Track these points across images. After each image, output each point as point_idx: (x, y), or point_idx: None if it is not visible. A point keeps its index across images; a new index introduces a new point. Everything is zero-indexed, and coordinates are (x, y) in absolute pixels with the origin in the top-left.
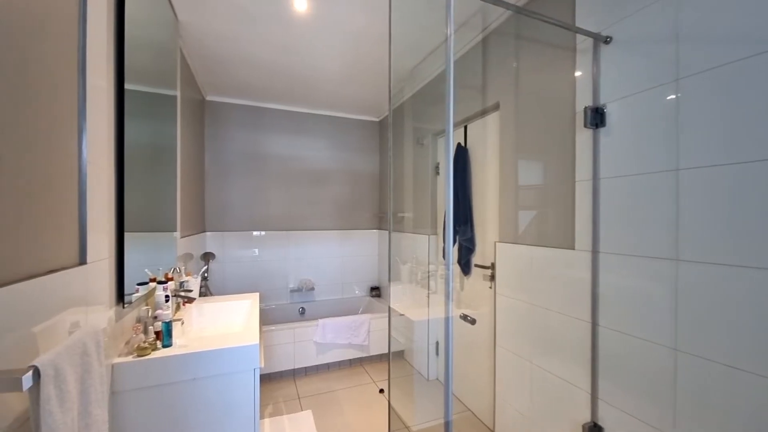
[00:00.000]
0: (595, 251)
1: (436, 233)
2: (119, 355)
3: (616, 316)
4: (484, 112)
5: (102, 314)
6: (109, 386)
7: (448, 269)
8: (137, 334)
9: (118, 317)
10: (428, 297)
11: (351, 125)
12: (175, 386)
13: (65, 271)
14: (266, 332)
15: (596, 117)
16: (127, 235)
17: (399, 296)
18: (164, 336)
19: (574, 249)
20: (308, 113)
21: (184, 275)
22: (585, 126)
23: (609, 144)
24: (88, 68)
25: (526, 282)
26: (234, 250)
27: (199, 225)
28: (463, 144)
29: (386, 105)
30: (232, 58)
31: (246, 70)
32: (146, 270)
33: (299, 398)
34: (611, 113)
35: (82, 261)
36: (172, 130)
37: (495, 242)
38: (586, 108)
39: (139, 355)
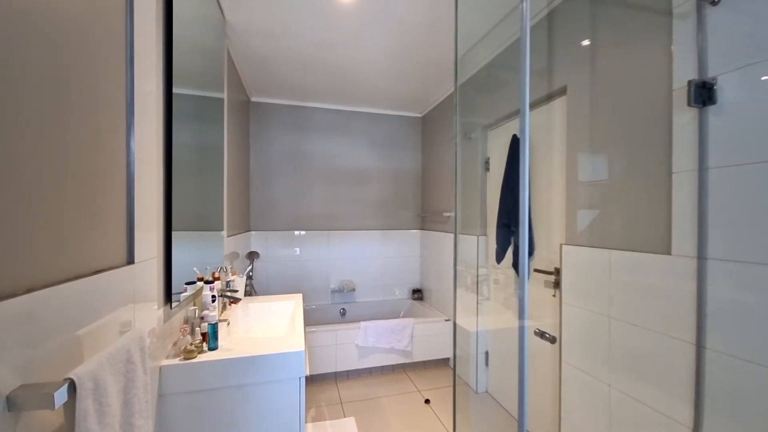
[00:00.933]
0: (701, 257)
1: (485, 234)
2: (167, 357)
3: (732, 339)
4: (548, 98)
5: (151, 315)
6: (156, 391)
7: (523, 282)
8: (184, 336)
9: (167, 317)
10: (477, 303)
11: (393, 122)
12: (221, 392)
13: (112, 271)
14: (308, 333)
15: (703, 93)
16: (175, 234)
17: (442, 301)
18: (210, 338)
19: (670, 254)
20: (350, 111)
21: (230, 274)
22: (689, 104)
23: (721, 125)
24: (137, 69)
25: (602, 291)
26: (277, 249)
27: (244, 224)
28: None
29: (430, 99)
30: (277, 57)
31: (290, 68)
32: (194, 269)
33: (341, 403)
34: (724, 88)
35: (130, 260)
36: (220, 131)
37: (561, 245)
38: (690, 82)
39: (185, 358)
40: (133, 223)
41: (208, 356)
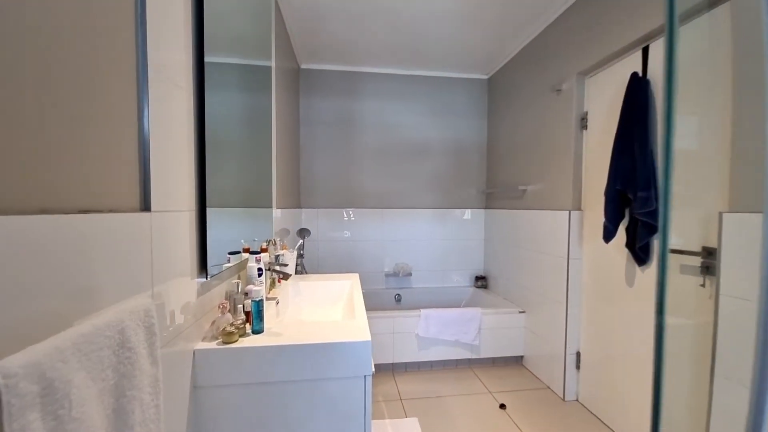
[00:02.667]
0: None
1: (579, 208)
2: (203, 339)
3: None
4: (687, 15)
5: (182, 285)
6: (189, 382)
7: (665, 264)
8: (224, 314)
9: (202, 291)
10: (567, 293)
11: (455, 86)
12: (264, 388)
13: (112, 215)
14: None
15: None
16: (223, 211)
17: (514, 290)
18: (254, 319)
19: None
20: (407, 75)
21: (279, 248)
22: None
23: None
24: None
25: None
26: (327, 228)
27: (294, 201)
28: (640, 74)
29: (500, 56)
30: (331, 12)
31: (345, 25)
32: (242, 240)
33: (401, 400)
34: None
35: (145, 207)
36: (267, 103)
37: (720, 213)
38: None
39: (225, 342)
40: (147, 157)
41: (252, 341)
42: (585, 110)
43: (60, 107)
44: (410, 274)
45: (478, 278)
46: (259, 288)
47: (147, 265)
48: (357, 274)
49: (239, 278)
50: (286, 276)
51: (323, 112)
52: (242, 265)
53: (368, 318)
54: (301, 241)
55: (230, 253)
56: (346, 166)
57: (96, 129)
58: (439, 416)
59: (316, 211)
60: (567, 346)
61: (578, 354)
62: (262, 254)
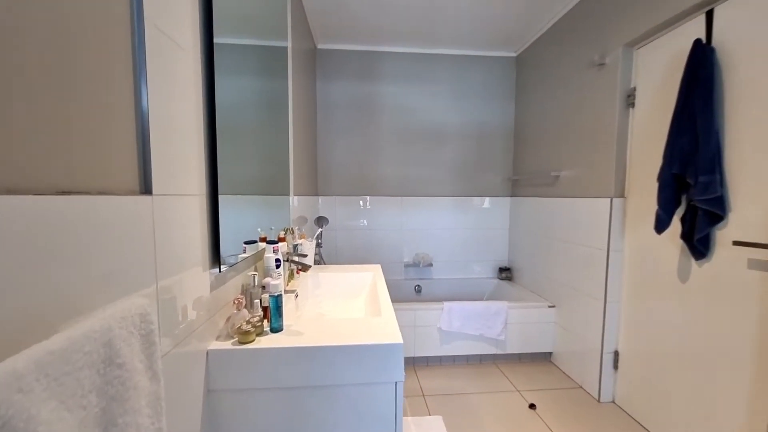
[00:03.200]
0: None
1: (622, 195)
2: (218, 338)
3: None
4: None
5: (194, 278)
6: (203, 385)
7: None
8: (239, 310)
9: (216, 284)
10: (605, 288)
11: (481, 65)
12: (285, 394)
13: (105, 198)
14: None
15: None
16: (238, 198)
17: (542, 282)
18: (272, 316)
19: None
20: (429, 54)
21: (297, 238)
22: None
23: None
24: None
25: None
26: (345, 216)
27: (311, 188)
28: (704, 41)
29: (530, 31)
30: None
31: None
32: (258, 229)
33: (423, 396)
34: None
35: (146, 189)
36: (284, 86)
37: None
38: None
39: (241, 342)
40: (146, 131)
41: (270, 341)
42: (632, 86)
43: (32, 66)
44: (431, 265)
45: (502, 270)
46: (278, 282)
47: (148, 256)
48: (379, 266)
49: (256, 270)
50: (305, 267)
51: (340, 95)
52: (259, 255)
53: None
54: (319, 230)
55: (246, 243)
56: (364, 153)
57: (80, 94)
58: (465, 415)
59: (334, 198)
60: (604, 344)
61: (616, 353)
62: (280, 244)
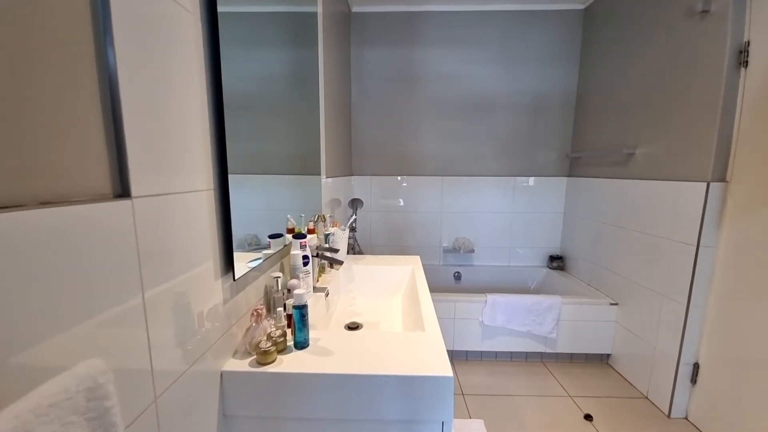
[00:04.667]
0: None
1: (724, 179)
2: (235, 354)
3: None
4: None
5: (201, 288)
6: (217, 409)
7: None
8: (258, 323)
9: (231, 292)
10: (690, 288)
11: (537, 22)
12: (309, 426)
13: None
14: None
15: None
16: (264, 178)
17: (602, 275)
18: (296, 329)
19: None
20: (476, 12)
21: (329, 226)
22: None
23: None
24: None
25: None
26: (380, 198)
27: (345, 167)
28: None
29: None
30: None
31: None
32: (288, 216)
33: (463, 394)
34: None
35: (121, 192)
36: (313, 57)
37: None
38: None
39: (259, 363)
40: (118, 114)
41: (293, 362)
42: (746, 39)
43: None
44: (473, 251)
45: (553, 258)
46: (302, 291)
47: (128, 271)
48: (418, 258)
49: (282, 269)
50: (338, 262)
51: (377, 65)
52: (285, 251)
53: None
54: (353, 215)
55: (271, 237)
56: (402, 128)
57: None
58: (510, 420)
59: (369, 179)
60: (682, 353)
61: (696, 365)
62: (309, 237)
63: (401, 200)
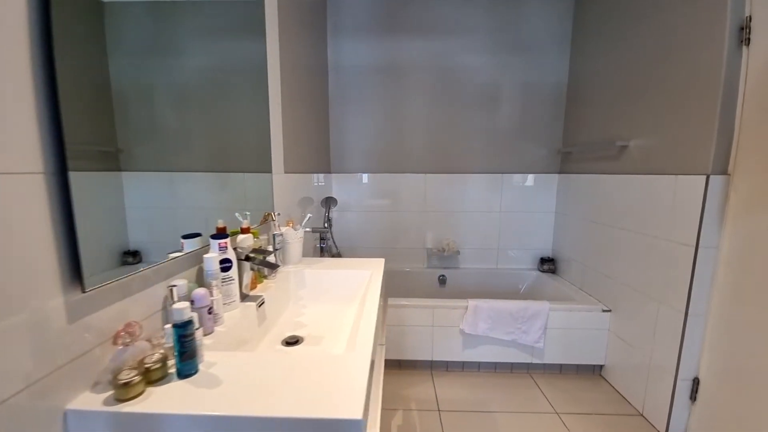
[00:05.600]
0: None
1: (726, 172)
2: (94, 387)
3: None
4: None
5: (22, 306)
6: None
7: None
8: (126, 345)
9: (81, 311)
10: (688, 295)
11: (528, 6)
12: None
13: None
14: (399, 308)
15: None
16: (183, 176)
17: (595, 278)
18: (177, 354)
19: None
20: None
21: (280, 225)
22: None
23: None
24: None
25: None
26: (361, 196)
27: (319, 164)
28: None
29: None
30: None
31: None
32: (219, 221)
33: (439, 411)
34: None
35: None
36: (258, 46)
37: None
38: None
39: (117, 398)
40: None
41: (160, 397)
42: (747, 14)
43: None
44: (458, 253)
45: (543, 260)
46: (183, 306)
47: None
48: (382, 260)
49: (198, 276)
50: (269, 267)
51: (355, 54)
52: (199, 257)
53: (404, 306)
54: (326, 213)
55: (185, 237)
56: (383, 122)
57: None
58: None
59: (348, 177)
60: (680, 367)
61: (696, 380)
62: (241, 237)
63: (383, 199)
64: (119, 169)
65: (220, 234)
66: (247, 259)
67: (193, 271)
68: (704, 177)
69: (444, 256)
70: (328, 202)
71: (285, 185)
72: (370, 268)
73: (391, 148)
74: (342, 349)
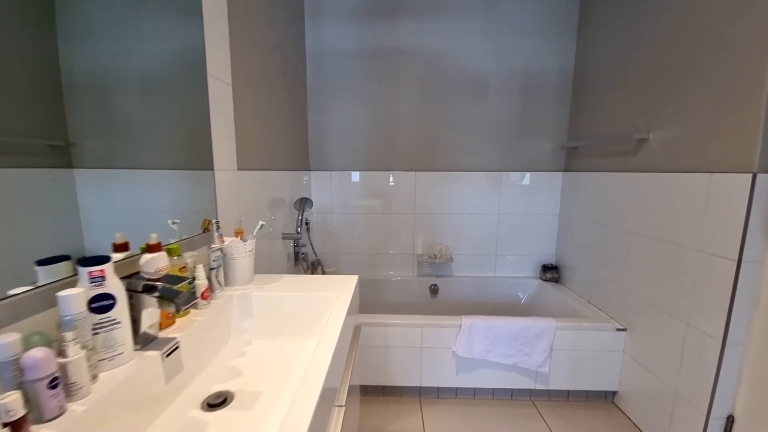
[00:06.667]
0: None
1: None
2: None
3: None
4: None
5: None
6: None
7: None
8: None
9: None
10: (728, 317)
11: None
12: None
13: None
14: (381, 327)
15: None
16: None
17: (606, 290)
18: None
19: None
20: None
21: (218, 238)
22: None
23: None
24: None
25: None
26: (345, 196)
27: (295, 160)
28: None
29: None
30: None
31: None
32: (118, 234)
33: None
34: None
35: None
36: (183, 28)
37: None
38: None
39: None
40: None
41: None
42: None
43: None
44: (452, 260)
45: (546, 268)
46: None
47: None
48: (354, 278)
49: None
50: (178, 302)
51: (337, 39)
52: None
53: (389, 324)
54: (299, 216)
55: (42, 263)
56: (369, 115)
57: None
58: None
59: (330, 174)
60: (714, 403)
61: (730, 419)
62: (149, 257)
63: (369, 199)
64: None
65: (95, 258)
66: (147, 290)
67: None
68: (750, 176)
69: (436, 264)
70: (303, 203)
71: (241, 185)
72: (338, 289)
73: (377, 142)
74: (282, 413)
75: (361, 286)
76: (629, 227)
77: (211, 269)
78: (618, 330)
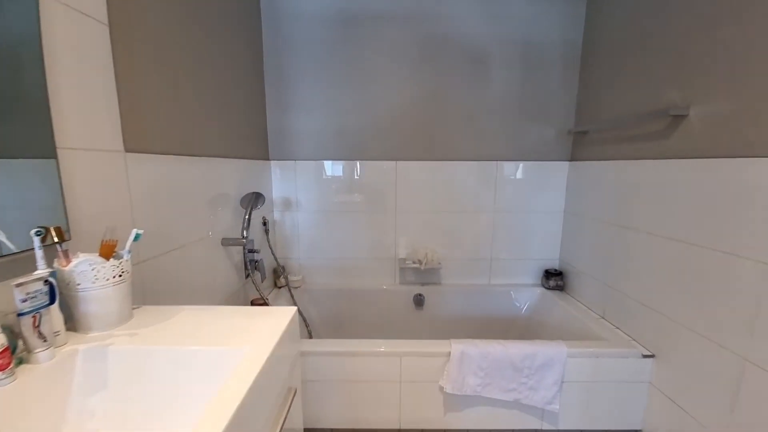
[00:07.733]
0: None
1: None
2: None
3: None
4: None
5: None
6: None
7: None
8: None
9: None
10: None
11: None
12: None
13: None
14: (348, 356)
15: None
16: None
17: (622, 302)
18: None
19: None
20: None
21: (63, 256)
22: None
23: None
24: None
25: None
26: (313, 191)
27: (247, 146)
28: None
29: None
30: None
31: None
32: None
33: None
34: None
35: None
36: None
37: None
38: None
39: None
40: None
41: None
42: None
43: None
44: (440, 266)
45: (549, 274)
46: None
47: None
48: (292, 310)
49: None
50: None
51: (301, 4)
52: None
53: (354, 355)
54: (246, 215)
55: None
56: (341, 94)
57: None
58: None
59: (295, 164)
60: None
61: None
62: None
63: (342, 194)
64: None
65: None
66: None
67: None
68: None
69: (421, 270)
70: (255, 200)
71: (135, 174)
72: (249, 342)
73: (351, 127)
74: None
75: (333, 297)
76: (657, 229)
77: (21, 315)
78: (645, 357)
